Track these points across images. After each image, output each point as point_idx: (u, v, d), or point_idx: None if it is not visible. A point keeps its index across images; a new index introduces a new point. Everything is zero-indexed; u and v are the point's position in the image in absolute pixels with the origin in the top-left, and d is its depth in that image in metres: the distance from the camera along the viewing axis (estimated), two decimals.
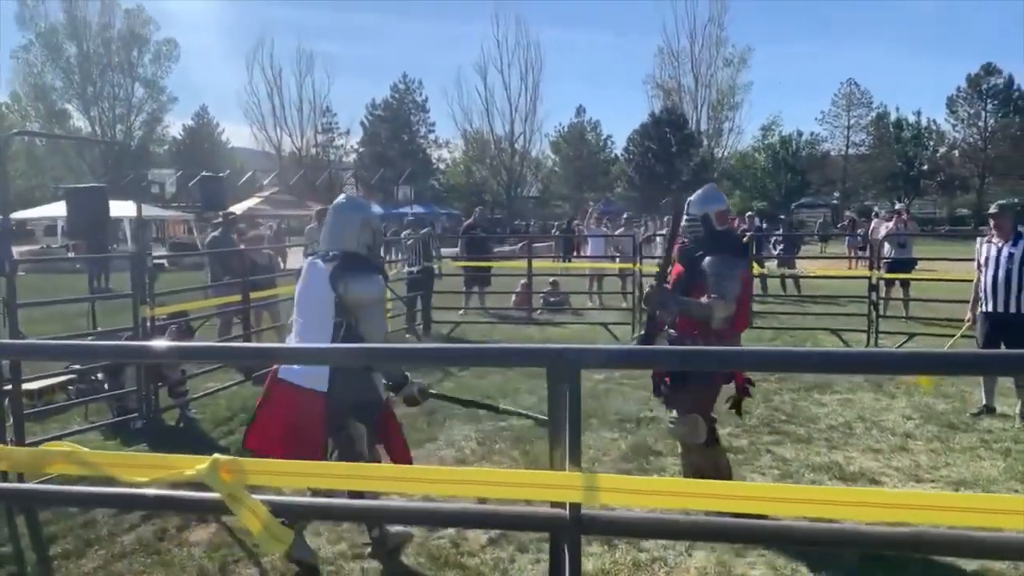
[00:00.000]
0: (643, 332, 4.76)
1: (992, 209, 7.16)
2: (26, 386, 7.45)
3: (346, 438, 3.94)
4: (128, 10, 58.14)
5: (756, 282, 16.14)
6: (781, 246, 16.95)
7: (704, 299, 4.33)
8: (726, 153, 60.86)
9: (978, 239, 7.45)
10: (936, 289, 12.99)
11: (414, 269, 11.69)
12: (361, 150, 62.81)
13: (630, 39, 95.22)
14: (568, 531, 1.36)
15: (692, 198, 4.71)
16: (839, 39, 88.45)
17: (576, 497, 1.34)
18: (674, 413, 4.55)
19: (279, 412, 3.82)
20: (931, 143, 59.44)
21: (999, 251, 6.80)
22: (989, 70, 56.34)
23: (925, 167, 58.65)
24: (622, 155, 60.97)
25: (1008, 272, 6.67)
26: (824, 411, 7.05)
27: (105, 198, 7.04)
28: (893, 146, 58.33)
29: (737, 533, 1.48)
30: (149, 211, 33.55)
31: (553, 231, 30.52)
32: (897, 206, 14.66)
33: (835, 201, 56.00)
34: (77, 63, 57.54)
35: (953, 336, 7.87)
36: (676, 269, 4.68)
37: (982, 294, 6.96)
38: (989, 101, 56.17)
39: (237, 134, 67.07)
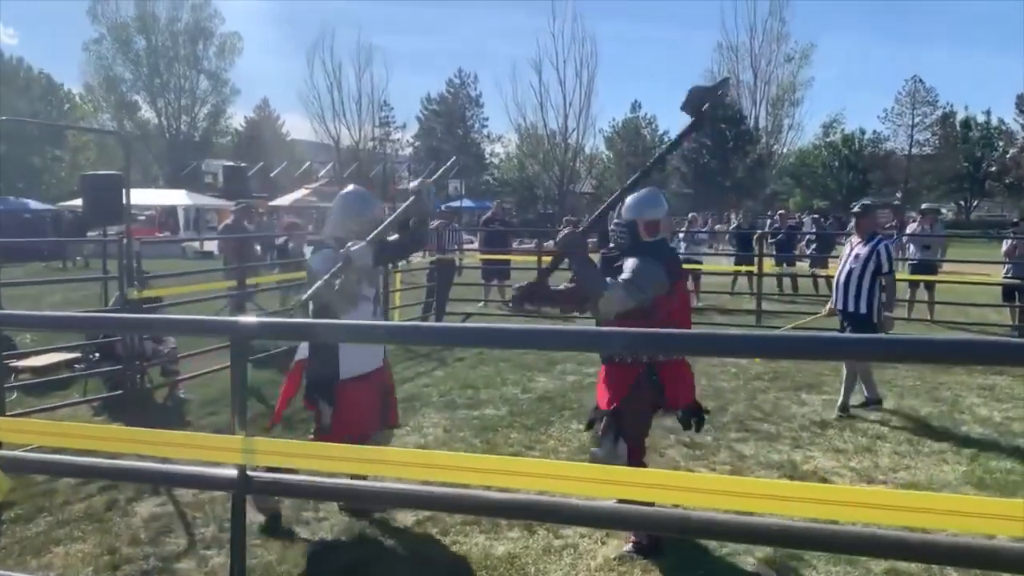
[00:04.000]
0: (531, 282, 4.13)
1: (855, 208, 7.36)
2: (32, 362, 7.91)
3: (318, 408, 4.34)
4: (195, 4, 59.76)
5: (787, 281, 15.95)
6: (814, 245, 16.65)
7: (608, 280, 3.87)
8: (786, 150, 59.73)
9: (846, 237, 7.67)
10: (965, 292, 12.71)
11: (429, 260, 11.87)
12: (416, 144, 63.39)
13: (688, 34, 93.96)
14: (235, 489, 1.46)
15: (627, 199, 4.17)
16: (904, 35, 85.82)
17: (238, 459, 1.44)
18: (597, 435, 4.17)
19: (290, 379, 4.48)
20: (1000, 143, 57.35)
21: (852, 250, 7.02)
22: None
23: (993, 168, 56.65)
24: (676, 151, 60.28)
25: (850, 271, 6.88)
26: (803, 410, 6.97)
27: (121, 185, 7.32)
28: (959, 146, 56.46)
29: (453, 503, 1.55)
30: (203, 200, 34.57)
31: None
32: (923, 207, 14.22)
33: (896, 201, 54.45)
34: (145, 56, 59.37)
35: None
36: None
37: (833, 290, 7.23)
38: None
39: (297, 126, 68.21)
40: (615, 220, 4.23)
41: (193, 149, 56.95)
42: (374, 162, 55.48)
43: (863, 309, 6.83)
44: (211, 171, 40.08)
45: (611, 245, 4.30)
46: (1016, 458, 5.66)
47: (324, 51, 60.67)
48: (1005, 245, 11.45)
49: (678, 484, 2.35)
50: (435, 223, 12.18)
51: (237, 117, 64.74)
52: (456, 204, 39.68)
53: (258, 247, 9.29)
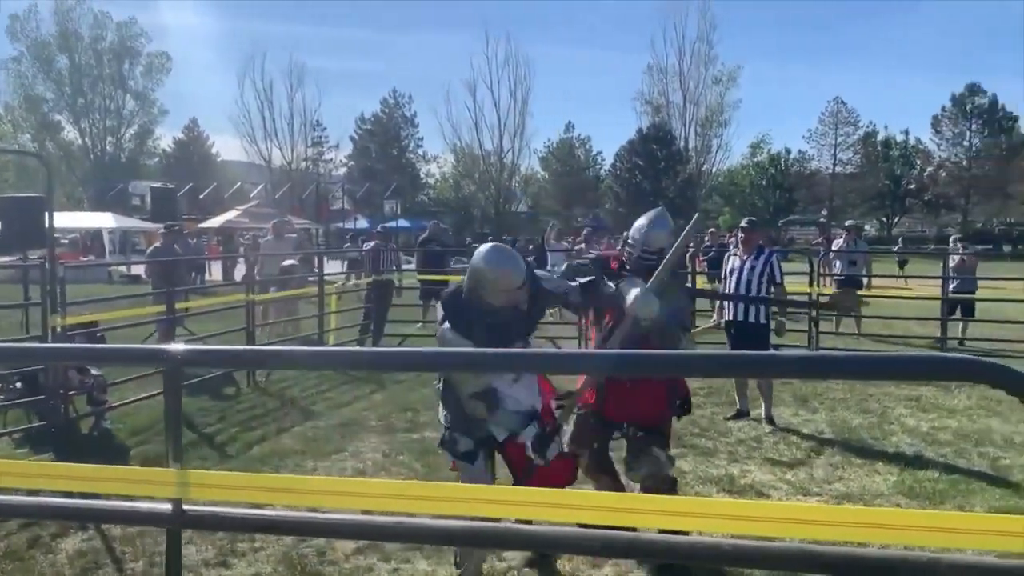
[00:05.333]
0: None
1: (743, 224, 7.76)
2: None
3: None
4: (120, 23, 58.52)
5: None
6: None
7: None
8: (714, 170, 61.11)
9: (727, 253, 8.03)
10: (892, 306, 13.11)
11: (364, 281, 11.75)
12: (350, 164, 62.93)
13: (619, 56, 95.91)
14: (171, 524, 1.40)
15: (645, 227, 4.22)
16: (827, 58, 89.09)
17: (173, 493, 1.38)
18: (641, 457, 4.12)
19: None
20: (917, 162, 59.71)
21: (743, 263, 7.38)
22: (973, 90, 56.69)
23: (912, 186, 58.90)
24: (609, 171, 61.16)
25: (748, 283, 7.26)
26: (739, 425, 7.08)
27: (42, 209, 7.05)
28: (880, 165, 58.60)
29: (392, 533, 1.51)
30: (130, 223, 33.68)
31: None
32: (847, 223, 14.70)
33: (822, 219, 56.14)
34: (68, 75, 57.78)
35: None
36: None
37: (726, 302, 7.58)
38: (973, 121, 56.52)
39: (228, 147, 67.06)
40: (642, 248, 4.20)
41: (119, 171, 55.46)
42: (307, 182, 54.85)
43: (762, 319, 7.23)
44: (138, 193, 39.14)
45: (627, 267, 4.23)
46: (943, 467, 5.83)
47: (255, 71, 59.99)
48: (953, 260, 11.80)
49: (630, 506, 2.35)
50: (370, 244, 12.09)
51: (165, 138, 63.49)
52: (392, 224, 39.43)
53: (195, 270, 9.01)
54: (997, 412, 7.39)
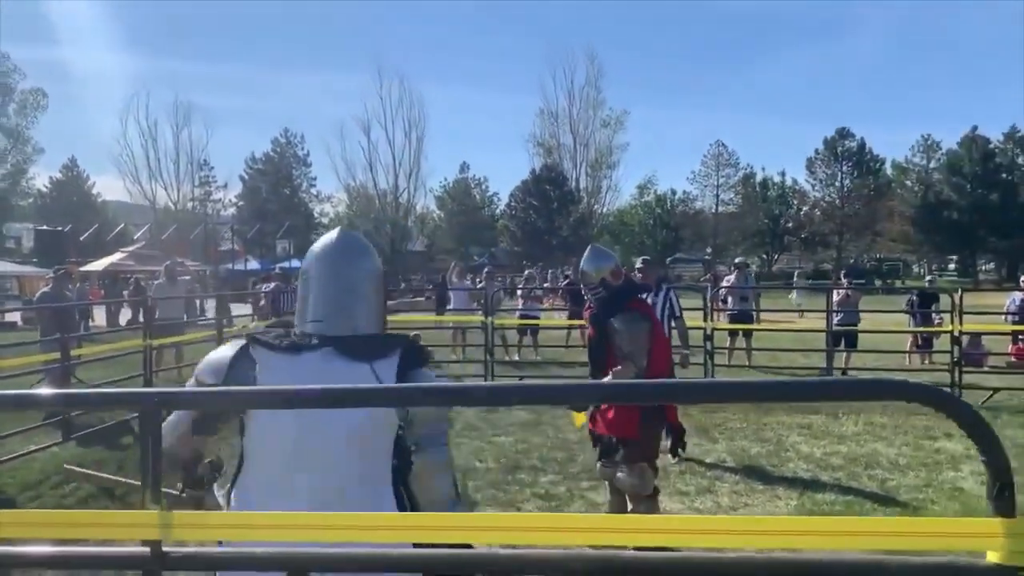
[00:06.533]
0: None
1: (638, 264, 8.08)
2: None
3: None
4: None
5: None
6: None
7: (618, 368, 4.60)
8: (605, 210, 62.79)
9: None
10: (779, 339, 13.75)
11: (265, 323, 11.53)
12: (240, 204, 61.56)
13: (512, 98, 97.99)
14: (149, 566, 1.40)
15: (584, 263, 4.80)
16: (708, 103, 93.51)
17: (154, 535, 1.39)
18: (620, 466, 4.71)
19: None
20: (794, 202, 63.08)
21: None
22: (843, 134, 60.58)
23: (789, 224, 62.10)
24: (505, 210, 61.98)
25: None
26: None
27: None
28: (759, 204, 61.62)
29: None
30: (4, 267, 31.88)
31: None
32: (737, 260, 15.42)
33: (707, 256, 58.40)
34: None
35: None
36: (590, 333, 5.01)
37: None
38: (844, 163, 60.28)
39: (110, 187, 64.51)
40: (587, 285, 4.80)
41: None
42: (194, 223, 53.24)
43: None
44: (12, 235, 37.09)
45: (589, 306, 4.92)
46: (838, 490, 6.17)
47: (139, 108, 58.21)
48: (837, 295, 12.45)
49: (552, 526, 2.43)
50: (270, 285, 11.89)
51: (41, 177, 60.50)
52: (286, 264, 38.70)
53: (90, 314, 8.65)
54: (882, 437, 7.88)
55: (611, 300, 4.72)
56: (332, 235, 2.26)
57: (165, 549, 1.42)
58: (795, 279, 36.49)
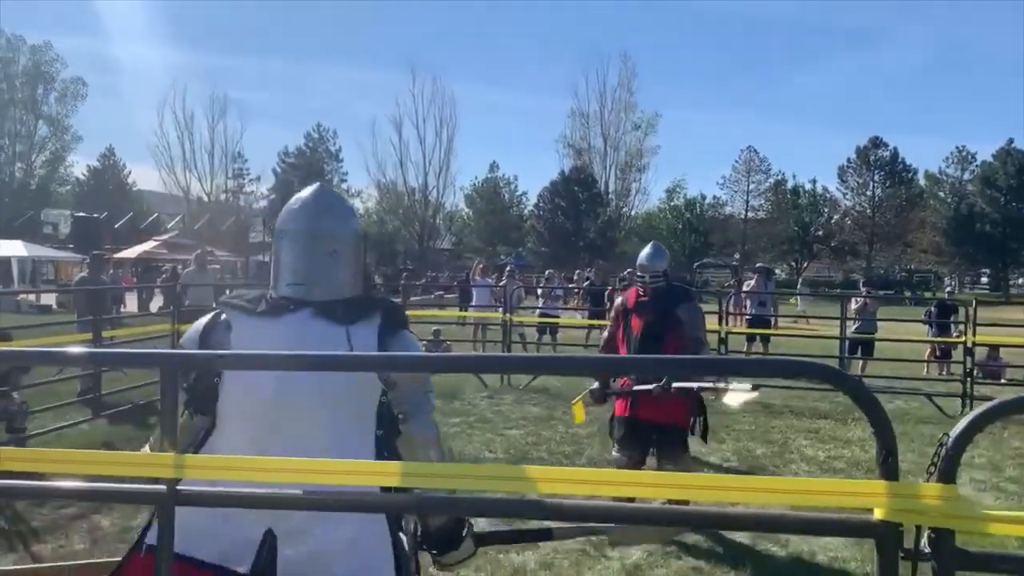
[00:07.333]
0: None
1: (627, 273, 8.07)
2: None
3: None
4: (34, 46, 56.90)
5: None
6: None
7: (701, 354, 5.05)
8: (633, 213, 62.70)
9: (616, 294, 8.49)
10: (796, 345, 13.86)
11: None
12: (272, 197, 62.26)
13: (544, 100, 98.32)
14: (165, 502, 1.64)
15: (649, 255, 5.38)
16: (740, 108, 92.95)
17: (169, 473, 1.63)
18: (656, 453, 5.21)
19: None
20: (825, 210, 62.59)
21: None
22: (876, 143, 60.02)
23: (819, 232, 61.61)
24: (533, 211, 62.15)
25: None
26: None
27: None
28: (790, 211, 61.17)
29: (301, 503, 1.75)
30: (41, 251, 32.66)
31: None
32: (757, 266, 15.53)
33: (735, 262, 58.15)
34: None
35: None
36: (636, 322, 5.33)
37: None
38: (876, 172, 59.74)
39: (144, 176, 65.29)
40: (650, 270, 5.34)
41: (29, 197, 53.62)
42: (226, 214, 54.02)
43: None
44: (51, 221, 37.95)
45: (642, 292, 5.40)
46: None
47: (176, 100, 58.99)
48: (855, 303, 12.53)
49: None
50: None
51: (79, 165, 61.63)
52: None
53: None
54: None
55: (673, 291, 5.37)
56: (308, 191, 2.23)
57: (179, 488, 1.67)
58: (799, 286, 36.21)
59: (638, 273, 5.43)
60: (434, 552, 2.22)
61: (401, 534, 2.03)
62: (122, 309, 22.03)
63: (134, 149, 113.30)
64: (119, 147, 62.62)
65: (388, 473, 1.79)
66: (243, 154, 60.94)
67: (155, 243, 35.14)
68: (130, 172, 62.56)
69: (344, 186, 63.66)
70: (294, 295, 2.06)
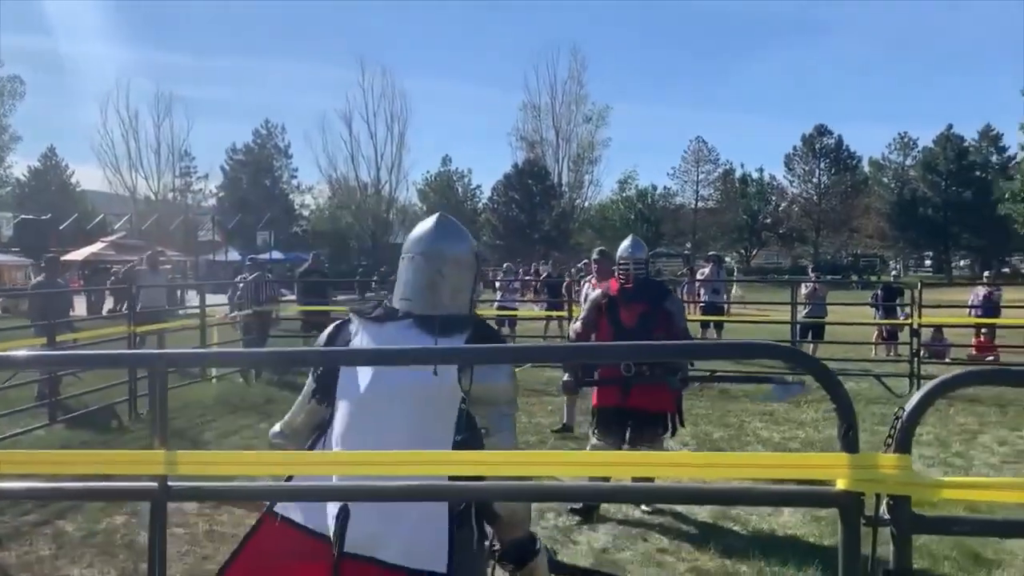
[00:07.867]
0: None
1: (594, 255, 7.84)
2: None
3: None
4: None
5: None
6: None
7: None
8: (587, 204, 63.12)
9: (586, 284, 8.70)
10: (749, 330, 14.16)
11: (242, 313, 11.73)
12: (221, 195, 61.39)
13: (496, 93, 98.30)
14: (157, 498, 1.68)
15: (631, 246, 5.65)
16: (688, 99, 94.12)
17: (161, 470, 1.67)
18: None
19: None
20: (773, 198, 63.71)
21: (595, 290, 8.05)
22: (821, 131, 61.29)
23: (768, 220, 62.72)
24: (487, 204, 62.20)
25: None
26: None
27: None
28: (738, 200, 62.15)
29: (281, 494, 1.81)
30: None
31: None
32: (710, 254, 15.81)
33: (687, 251, 58.90)
34: None
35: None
36: (627, 313, 5.51)
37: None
38: (822, 159, 61.01)
39: (89, 177, 63.73)
40: (633, 260, 5.58)
41: None
42: (175, 214, 53.05)
43: None
44: None
45: (625, 281, 5.59)
46: None
47: (120, 99, 57.77)
48: (805, 288, 12.80)
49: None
50: (252, 275, 12.09)
51: (19, 166, 60.00)
52: (266, 256, 38.75)
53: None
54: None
55: (655, 283, 5.91)
56: (431, 220, 2.52)
57: (170, 484, 1.71)
58: (735, 274, 37.09)
59: (622, 264, 5.63)
60: (511, 567, 2.41)
61: (469, 533, 2.21)
62: (71, 312, 21.56)
63: (77, 149, 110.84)
64: (61, 147, 61.34)
65: (404, 462, 1.85)
66: (190, 152, 60.10)
67: (102, 244, 34.36)
68: (73, 172, 61.22)
69: (294, 182, 63.06)
70: (402, 307, 2.36)
